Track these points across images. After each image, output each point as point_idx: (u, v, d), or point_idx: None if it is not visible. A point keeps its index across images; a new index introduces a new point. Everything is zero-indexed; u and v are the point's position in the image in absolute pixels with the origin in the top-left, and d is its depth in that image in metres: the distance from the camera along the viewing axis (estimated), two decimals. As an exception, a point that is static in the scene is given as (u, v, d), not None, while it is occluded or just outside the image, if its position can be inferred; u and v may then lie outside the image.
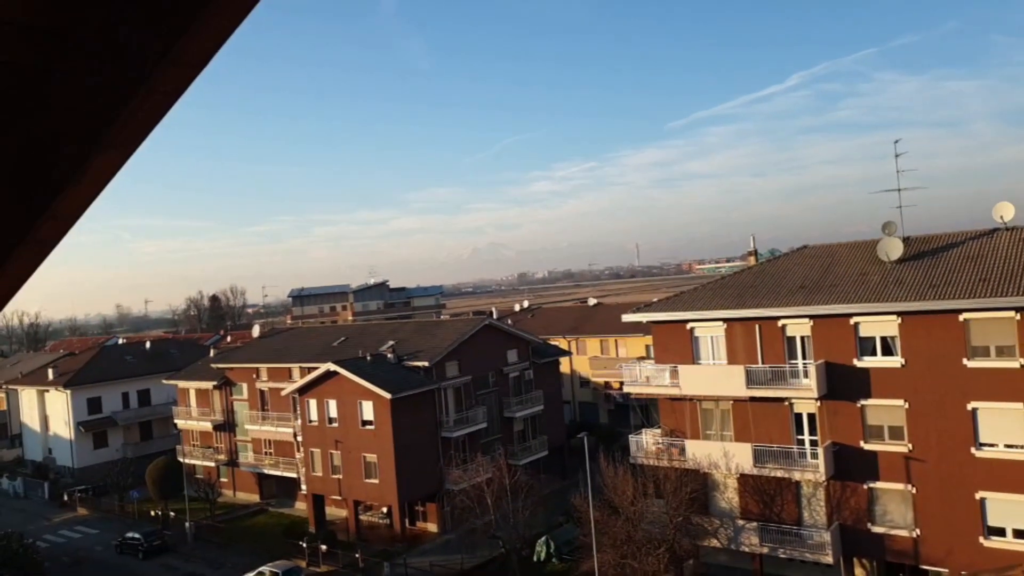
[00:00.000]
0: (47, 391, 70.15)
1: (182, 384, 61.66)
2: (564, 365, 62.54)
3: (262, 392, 55.70)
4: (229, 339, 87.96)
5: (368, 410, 45.91)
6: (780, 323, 33.39)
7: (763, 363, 33.54)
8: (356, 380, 45.39)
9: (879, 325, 31.31)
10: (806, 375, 32.15)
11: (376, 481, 45.99)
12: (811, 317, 32.59)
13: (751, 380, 33.04)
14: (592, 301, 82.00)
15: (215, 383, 58.36)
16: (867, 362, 31.55)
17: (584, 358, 67.12)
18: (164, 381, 64.77)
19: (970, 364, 29.31)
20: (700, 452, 34.46)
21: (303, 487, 51.16)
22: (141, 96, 1.86)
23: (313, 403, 48.72)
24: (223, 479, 59.29)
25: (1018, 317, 28.45)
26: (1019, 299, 27.94)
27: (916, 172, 36.80)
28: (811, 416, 33.00)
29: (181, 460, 59.27)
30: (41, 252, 2.38)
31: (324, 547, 43.83)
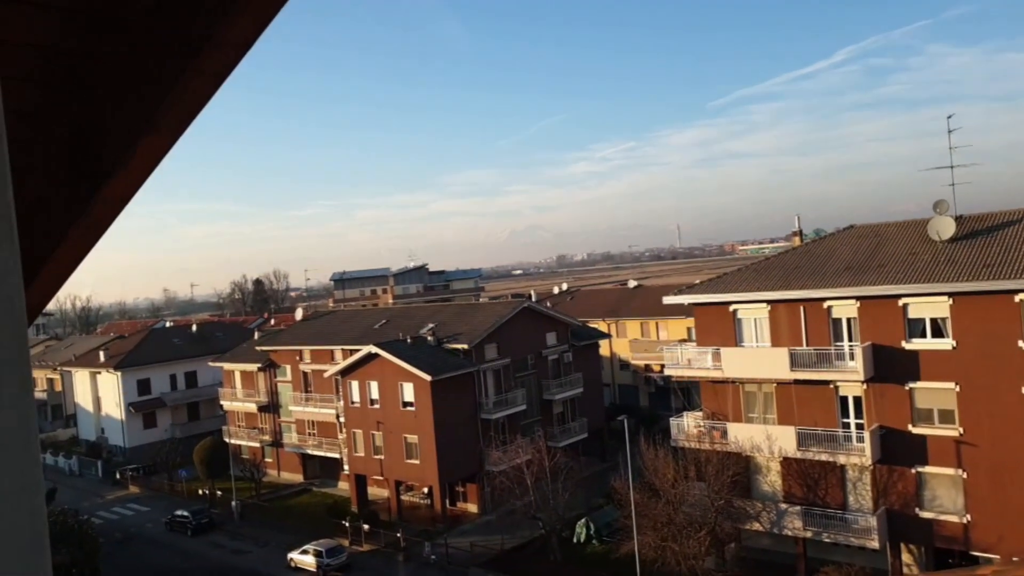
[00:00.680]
0: (99, 373, 72.25)
1: (228, 366, 62.97)
2: (604, 348, 62.33)
3: (305, 374, 56.61)
4: (273, 322, 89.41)
5: (409, 392, 46.39)
6: (826, 305, 32.76)
7: (807, 345, 32.99)
8: (397, 362, 45.87)
9: (929, 306, 30.54)
10: (852, 357, 31.56)
11: (417, 462, 46.53)
12: (858, 298, 31.92)
13: (795, 363, 32.56)
14: (632, 283, 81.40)
15: (259, 365, 59.47)
16: (916, 344, 30.82)
17: (624, 341, 66.77)
18: (210, 363, 66.27)
19: (1025, 346, 28.46)
20: (742, 435, 34.13)
21: (346, 467, 52.01)
22: (187, 79, 1.84)
23: (355, 384, 49.38)
24: (268, 459, 60.54)
25: (1076, 298, 27.49)
26: (1077, 279, 26.98)
27: (970, 148, 35.47)
28: (857, 399, 32.42)
29: (227, 440, 60.60)
30: (94, 234, 2.39)
31: (366, 526, 44.53)
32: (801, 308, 33.30)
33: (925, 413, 30.98)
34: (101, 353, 73.97)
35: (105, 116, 2.05)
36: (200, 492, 56.37)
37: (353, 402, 49.72)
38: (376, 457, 48.49)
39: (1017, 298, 28.54)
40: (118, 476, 64.24)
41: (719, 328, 35.54)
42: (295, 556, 42.45)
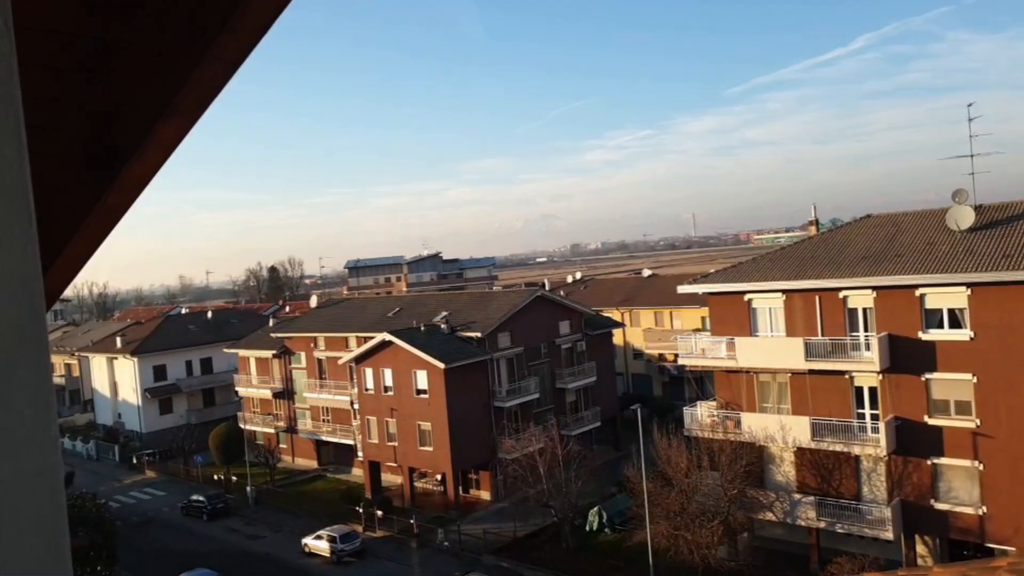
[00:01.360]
0: (116, 358, 73.00)
1: (243, 353, 63.45)
2: (617, 337, 62.26)
3: (319, 361, 56.94)
4: (287, 309, 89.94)
5: (422, 379, 46.58)
6: (841, 294, 32.54)
7: (823, 335, 32.80)
8: (411, 350, 46.04)
9: (947, 297, 30.26)
10: (868, 348, 31.35)
11: (430, 449, 46.77)
12: (874, 288, 31.68)
13: (810, 352, 32.40)
14: (646, 272, 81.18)
15: (274, 352, 59.88)
16: (933, 335, 30.58)
17: (638, 330, 66.66)
18: (225, 350, 66.78)
19: (1044, 338, 28.16)
20: (756, 425, 34.04)
21: (359, 454, 52.37)
22: (203, 65, 1.84)
23: (369, 372, 49.64)
24: (282, 445, 61.05)
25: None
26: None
27: (991, 137, 34.96)
28: (872, 390, 32.23)
29: (242, 426, 61.15)
30: (111, 219, 2.41)
31: (380, 513, 44.86)
32: (817, 298, 33.10)
33: (941, 404, 30.76)
34: (118, 339, 74.72)
35: (122, 103, 2.06)
36: (215, 477, 56.95)
37: (367, 389, 49.98)
38: (390, 444, 48.77)
39: (1037, 289, 28.22)
40: (135, 461, 65.02)
41: (734, 318, 35.39)
42: (309, 541, 42.85)
